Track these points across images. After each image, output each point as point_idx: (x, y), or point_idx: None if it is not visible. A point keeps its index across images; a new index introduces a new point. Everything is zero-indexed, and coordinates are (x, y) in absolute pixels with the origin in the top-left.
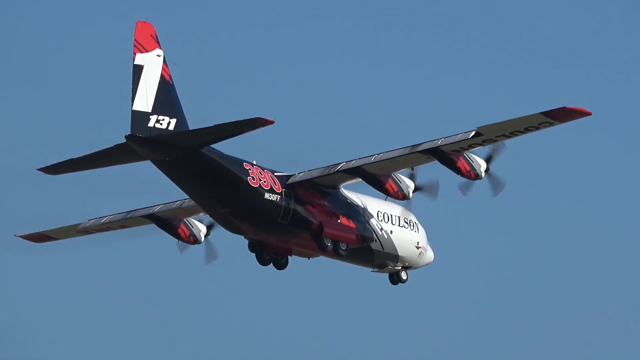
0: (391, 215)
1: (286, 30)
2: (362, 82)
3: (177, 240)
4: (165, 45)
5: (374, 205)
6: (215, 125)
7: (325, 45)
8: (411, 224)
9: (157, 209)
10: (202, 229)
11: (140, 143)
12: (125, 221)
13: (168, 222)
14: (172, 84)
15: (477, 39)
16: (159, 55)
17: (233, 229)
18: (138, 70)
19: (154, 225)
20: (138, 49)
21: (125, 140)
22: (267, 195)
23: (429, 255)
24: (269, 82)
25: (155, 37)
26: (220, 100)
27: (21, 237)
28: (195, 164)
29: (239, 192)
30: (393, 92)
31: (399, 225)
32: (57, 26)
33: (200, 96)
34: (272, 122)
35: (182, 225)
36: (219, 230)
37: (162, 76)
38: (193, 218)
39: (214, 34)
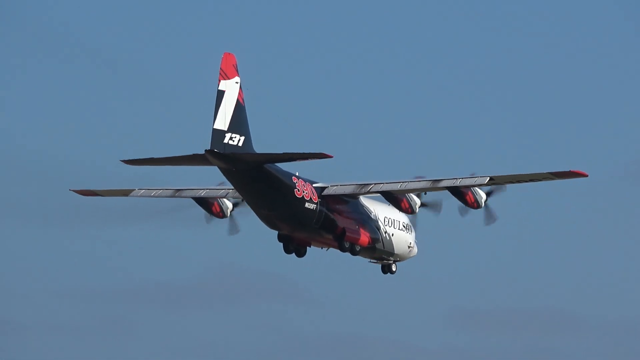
0: (393, 220)
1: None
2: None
3: (206, 213)
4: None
5: (382, 211)
6: (284, 153)
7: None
8: (407, 227)
9: (202, 193)
10: (230, 206)
11: (217, 157)
12: (173, 198)
13: (206, 201)
14: (244, 106)
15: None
16: (237, 82)
17: (272, 226)
18: (220, 94)
19: (192, 201)
20: (222, 76)
21: (203, 152)
22: (307, 205)
23: (415, 250)
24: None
25: (235, 66)
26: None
27: (74, 191)
28: (257, 175)
29: (286, 201)
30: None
31: (398, 228)
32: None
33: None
34: (331, 157)
35: (215, 204)
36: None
37: (237, 100)
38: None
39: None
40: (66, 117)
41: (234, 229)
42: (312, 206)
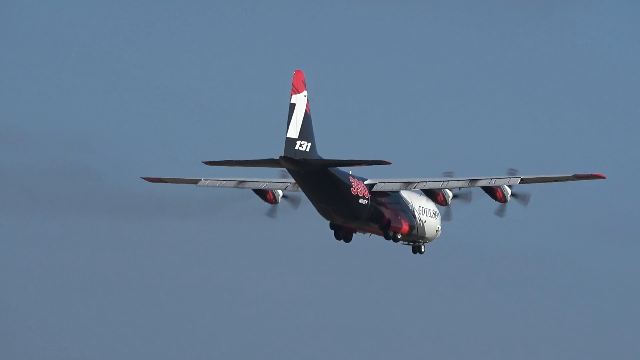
0: (426, 209)
1: None
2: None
3: (264, 201)
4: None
5: (416, 201)
6: (348, 160)
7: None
8: (436, 213)
9: (263, 185)
10: (281, 193)
11: (290, 162)
12: (236, 188)
13: (263, 191)
14: (310, 115)
15: None
16: (305, 96)
17: (328, 217)
18: (292, 107)
19: (251, 191)
20: (294, 90)
21: (277, 157)
22: (360, 200)
23: (440, 233)
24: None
25: (304, 81)
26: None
27: (144, 178)
28: (321, 176)
29: (344, 197)
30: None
31: (429, 216)
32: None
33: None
34: (389, 163)
35: (270, 193)
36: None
37: (305, 111)
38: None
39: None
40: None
41: (293, 205)
42: (364, 202)
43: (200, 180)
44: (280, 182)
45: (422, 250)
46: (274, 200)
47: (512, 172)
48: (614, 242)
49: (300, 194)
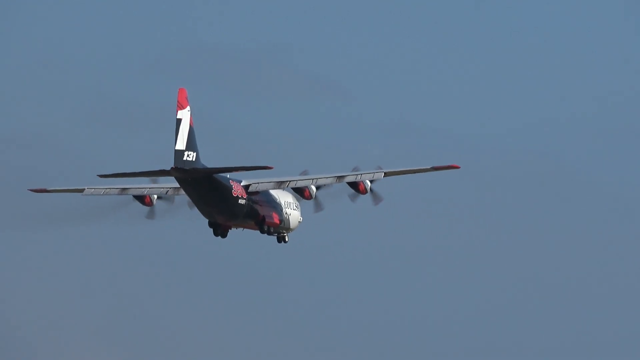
0: (290, 202)
1: None
2: None
3: (142, 205)
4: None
5: (283, 197)
6: (232, 167)
7: None
8: (297, 206)
9: (145, 191)
10: (156, 196)
11: (180, 171)
12: (119, 196)
13: (142, 197)
14: (193, 128)
15: None
16: (188, 110)
17: (210, 217)
18: (178, 122)
19: (130, 197)
20: (179, 107)
21: (169, 168)
22: (239, 201)
23: (300, 221)
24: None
25: (186, 97)
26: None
27: (31, 190)
28: (206, 182)
29: (226, 199)
30: None
31: (293, 209)
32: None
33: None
34: (271, 168)
35: (147, 197)
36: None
37: (190, 125)
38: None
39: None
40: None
41: (152, 214)
42: (243, 201)
43: (85, 189)
44: (161, 187)
45: (286, 239)
46: (150, 203)
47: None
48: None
49: (174, 194)
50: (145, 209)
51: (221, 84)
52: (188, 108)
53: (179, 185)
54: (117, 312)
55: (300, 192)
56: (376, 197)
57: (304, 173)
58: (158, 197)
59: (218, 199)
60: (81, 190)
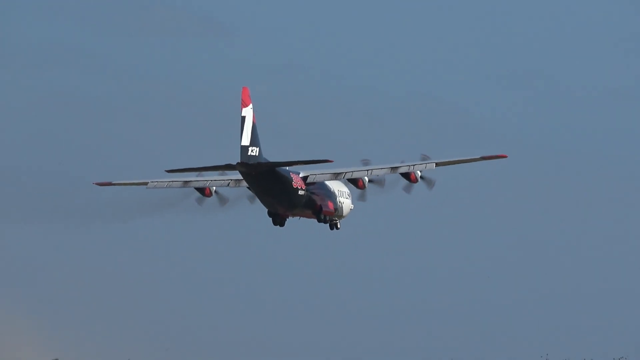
0: (343, 192)
1: None
2: None
3: (199, 195)
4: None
5: (335, 186)
6: (291, 161)
7: None
8: (349, 195)
9: (208, 183)
10: (214, 188)
11: (246, 166)
12: (181, 189)
13: (202, 189)
14: (255, 124)
15: None
16: (251, 108)
17: (271, 207)
18: (243, 119)
19: (193, 189)
20: (243, 105)
21: (235, 163)
22: (299, 192)
23: (351, 209)
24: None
25: (249, 95)
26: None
27: (96, 183)
28: (269, 176)
29: (287, 191)
30: None
31: (345, 197)
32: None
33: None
34: (331, 161)
35: (207, 189)
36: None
37: (253, 122)
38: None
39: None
40: None
41: (223, 201)
42: (302, 192)
43: (149, 182)
44: (223, 179)
45: (338, 226)
46: (210, 194)
47: (424, 158)
48: None
49: (231, 193)
50: (202, 198)
51: None
52: (251, 105)
53: (239, 178)
54: (190, 298)
55: (354, 183)
56: (429, 183)
57: (365, 162)
58: (216, 192)
59: (280, 191)
60: (145, 184)
